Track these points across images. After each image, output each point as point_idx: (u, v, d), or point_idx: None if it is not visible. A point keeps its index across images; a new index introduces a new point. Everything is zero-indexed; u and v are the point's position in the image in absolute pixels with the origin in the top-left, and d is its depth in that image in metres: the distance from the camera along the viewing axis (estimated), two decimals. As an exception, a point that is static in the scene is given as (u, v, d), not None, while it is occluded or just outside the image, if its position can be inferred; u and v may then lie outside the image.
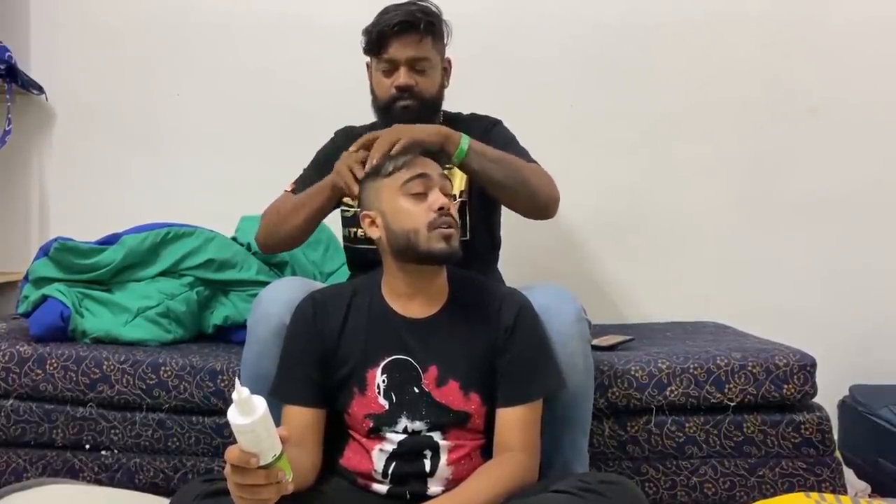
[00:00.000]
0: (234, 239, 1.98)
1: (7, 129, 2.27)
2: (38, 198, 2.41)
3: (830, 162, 2.30)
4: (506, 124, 1.66)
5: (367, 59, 1.61)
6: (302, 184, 1.54)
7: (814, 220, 2.30)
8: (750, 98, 2.31)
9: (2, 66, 2.21)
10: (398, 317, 1.25)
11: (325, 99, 2.31)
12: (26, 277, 1.82)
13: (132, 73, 2.38)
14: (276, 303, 1.36)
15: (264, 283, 1.60)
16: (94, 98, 2.38)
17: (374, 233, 1.25)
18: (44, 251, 1.80)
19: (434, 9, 1.57)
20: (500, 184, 1.43)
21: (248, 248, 1.95)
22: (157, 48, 2.37)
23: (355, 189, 1.31)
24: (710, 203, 2.32)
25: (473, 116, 1.69)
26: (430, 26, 1.55)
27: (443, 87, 1.63)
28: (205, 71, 2.37)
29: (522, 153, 1.56)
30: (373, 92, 1.61)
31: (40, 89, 2.34)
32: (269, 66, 2.35)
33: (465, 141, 1.38)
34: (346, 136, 1.64)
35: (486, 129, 1.62)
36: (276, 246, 1.57)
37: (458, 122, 1.62)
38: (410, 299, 1.25)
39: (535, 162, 1.55)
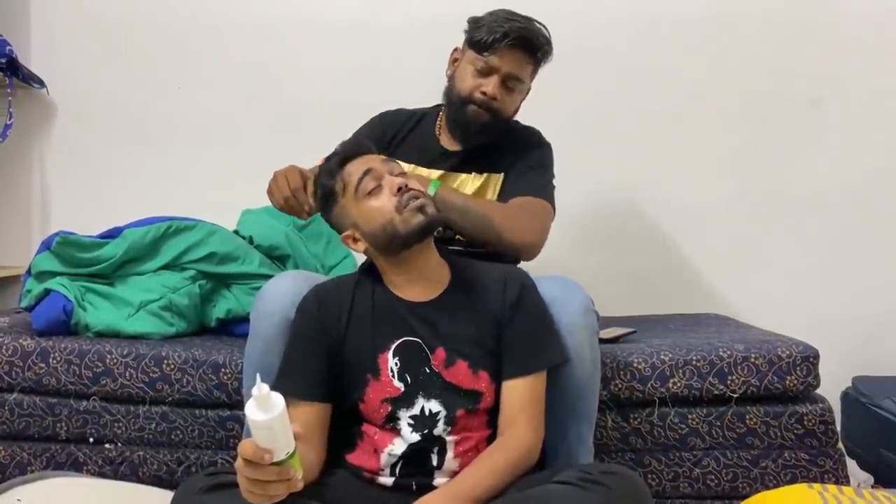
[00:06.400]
0: (235, 232, 1.98)
1: (8, 122, 2.27)
2: (40, 192, 2.41)
3: (833, 154, 2.29)
4: (551, 151, 1.66)
5: (460, 46, 1.60)
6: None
7: (817, 213, 2.30)
8: (752, 91, 2.30)
9: (2, 60, 2.21)
10: (402, 301, 1.27)
11: (326, 92, 2.31)
12: (28, 271, 1.82)
13: (133, 66, 2.37)
14: (278, 297, 1.36)
15: (266, 277, 1.60)
16: (96, 92, 2.38)
17: (360, 247, 1.27)
18: (46, 245, 1.80)
19: (550, 38, 1.56)
20: (463, 230, 1.47)
21: (250, 241, 1.94)
22: (159, 42, 2.37)
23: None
24: (712, 195, 2.32)
25: (528, 130, 1.68)
26: (544, 55, 1.56)
27: (517, 109, 1.63)
28: (206, 64, 2.36)
29: (535, 185, 1.55)
30: (452, 79, 1.60)
31: (41, 83, 2.34)
32: (270, 60, 2.35)
33: (431, 188, 1.42)
34: (391, 119, 1.68)
35: (530, 145, 1.64)
36: None
37: (512, 132, 1.64)
38: (411, 285, 1.27)
39: (544, 198, 1.54)
